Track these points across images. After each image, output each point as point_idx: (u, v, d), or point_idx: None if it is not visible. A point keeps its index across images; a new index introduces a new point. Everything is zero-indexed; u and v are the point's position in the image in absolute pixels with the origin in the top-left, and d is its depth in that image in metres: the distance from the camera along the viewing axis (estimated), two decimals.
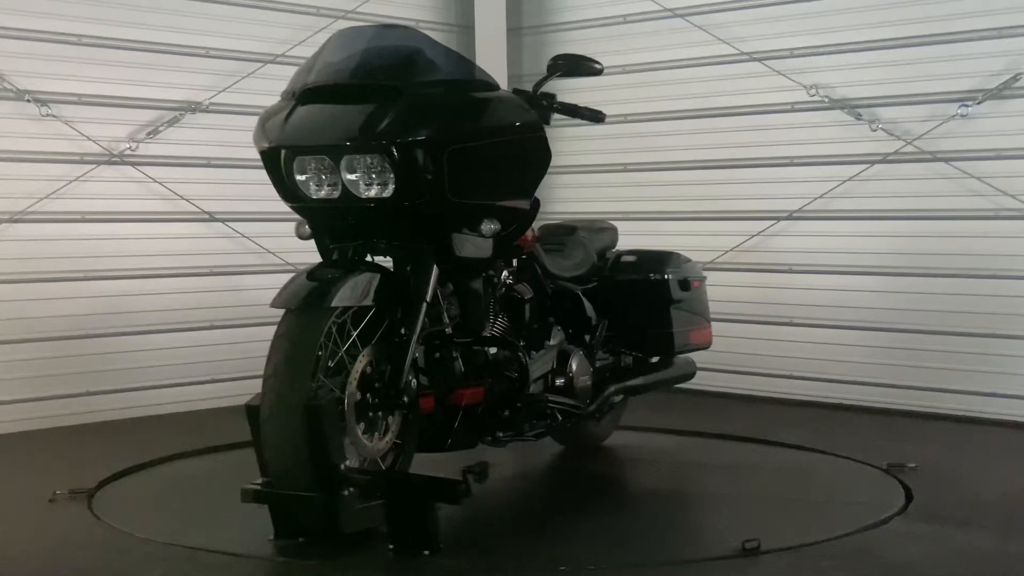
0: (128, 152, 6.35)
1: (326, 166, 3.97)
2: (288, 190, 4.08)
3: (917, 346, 6.32)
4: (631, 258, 5.22)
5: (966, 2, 6.10)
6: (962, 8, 6.12)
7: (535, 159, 4.26)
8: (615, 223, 5.43)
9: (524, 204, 4.30)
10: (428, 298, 3.99)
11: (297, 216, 4.27)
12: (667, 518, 4.46)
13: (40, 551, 3.98)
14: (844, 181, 6.51)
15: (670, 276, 5.17)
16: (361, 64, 4.02)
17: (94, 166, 6.25)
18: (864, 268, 6.54)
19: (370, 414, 3.91)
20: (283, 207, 7.17)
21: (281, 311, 3.87)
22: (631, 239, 7.09)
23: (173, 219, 6.53)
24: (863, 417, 6.28)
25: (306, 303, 3.80)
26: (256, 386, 6.68)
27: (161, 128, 6.46)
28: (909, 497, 4.53)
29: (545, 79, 4.37)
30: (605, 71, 4.47)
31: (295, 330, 3.80)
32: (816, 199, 6.60)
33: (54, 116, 6.10)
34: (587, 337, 4.95)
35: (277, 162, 4.04)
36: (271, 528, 3.92)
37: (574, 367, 4.68)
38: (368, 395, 3.89)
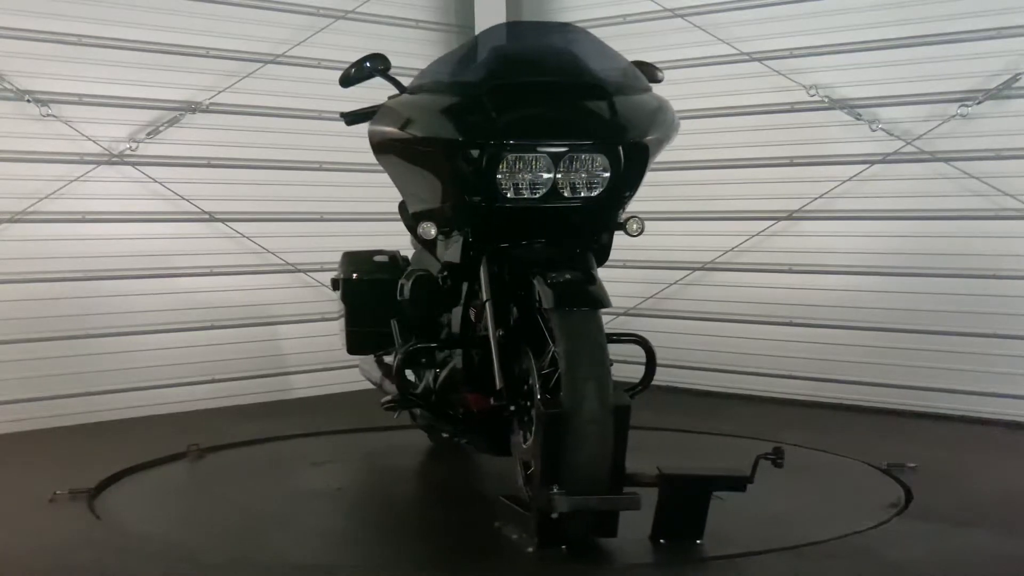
0: (128, 152, 6.35)
1: (539, 165, 3.83)
2: (478, 187, 3.85)
3: (917, 346, 6.31)
4: None
5: (966, 2, 6.10)
6: (962, 8, 6.11)
7: None
8: None
9: None
10: None
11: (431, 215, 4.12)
12: None
13: (40, 551, 3.97)
14: (844, 181, 6.51)
15: None
16: (561, 62, 3.99)
17: (94, 166, 6.24)
18: (864, 268, 6.53)
19: None
20: (281, 207, 7.10)
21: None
22: (631, 239, 7.10)
23: (173, 219, 6.53)
24: (863, 417, 6.28)
25: (592, 304, 3.74)
26: (255, 386, 6.74)
27: (161, 128, 6.45)
28: (909, 497, 4.54)
29: None
30: None
31: (596, 332, 3.71)
32: (816, 199, 6.60)
33: (54, 116, 6.09)
34: None
35: (473, 157, 3.81)
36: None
37: None
38: None
